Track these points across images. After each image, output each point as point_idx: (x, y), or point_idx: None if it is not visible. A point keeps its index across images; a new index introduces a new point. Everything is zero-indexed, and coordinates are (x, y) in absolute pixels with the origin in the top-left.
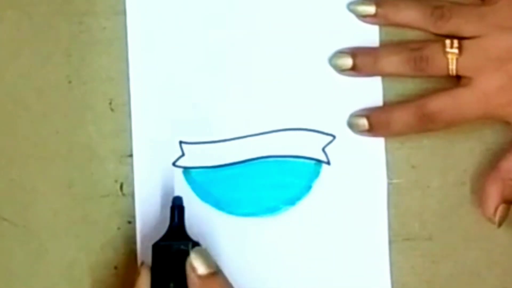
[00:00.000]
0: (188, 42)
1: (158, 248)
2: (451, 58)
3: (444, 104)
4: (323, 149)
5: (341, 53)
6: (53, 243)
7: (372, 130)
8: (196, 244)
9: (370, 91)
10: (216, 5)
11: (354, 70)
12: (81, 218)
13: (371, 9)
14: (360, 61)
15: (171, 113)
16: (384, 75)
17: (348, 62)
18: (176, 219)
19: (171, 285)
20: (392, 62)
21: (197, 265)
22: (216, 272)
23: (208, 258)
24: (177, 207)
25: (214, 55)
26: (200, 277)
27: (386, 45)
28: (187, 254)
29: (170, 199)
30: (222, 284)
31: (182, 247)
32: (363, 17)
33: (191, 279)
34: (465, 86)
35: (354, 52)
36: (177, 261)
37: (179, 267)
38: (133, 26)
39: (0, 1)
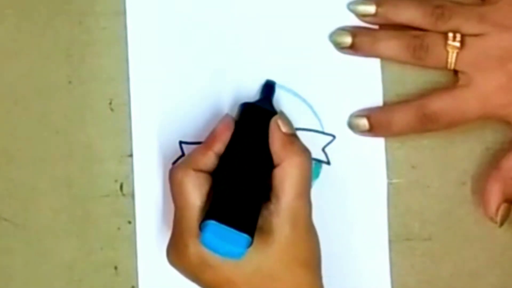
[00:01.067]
0: (188, 42)
1: (247, 106)
2: (452, 52)
3: (444, 104)
4: (323, 149)
5: (341, 30)
6: (53, 243)
7: (372, 130)
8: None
9: (370, 91)
10: (216, 6)
11: (352, 48)
12: (81, 218)
13: (371, 8)
14: (359, 40)
15: (171, 113)
16: (382, 58)
17: (347, 40)
18: (263, 93)
19: (251, 138)
20: (391, 45)
21: (282, 123)
22: (296, 135)
23: (291, 122)
24: (267, 85)
25: (214, 55)
26: (284, 133)
27: (387, 29)
28: (272, 115)
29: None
30: (300, 145)
31: (269, 109)
32: (363, 16)
33: (276, 134)
34: (465, 86)
35: (354, 31)
36: (262, 119)
37: (263, 125)
38: (133, 26)
39: (0, 1)
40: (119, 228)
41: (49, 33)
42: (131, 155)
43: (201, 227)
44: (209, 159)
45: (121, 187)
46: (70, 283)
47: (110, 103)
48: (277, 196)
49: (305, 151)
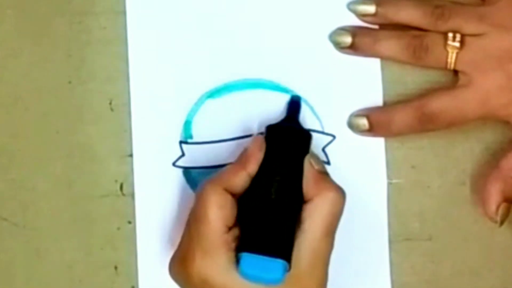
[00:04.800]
0: (188, 42)
1: (275, 127)
2: (451, 52)
3: (444, 104)
4: (323, 149)
5: (341, 30)
6: (53, 243)
7: (372, 130)
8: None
9: (370, 91)
10: (216, 6)
11: (352, 48)
12: (81, 218)
13: (371, 8)
14: (359, 40)
15: (171, 113)
16: (382, 58)
17: (347, 39)
18: (289, 112)
19: (282, 160)
20: (391, 45)
21: (315, 162)
22: (328, 173)
23: (322, 161)
24: (293, 102)
25: (213, 55)
26: (318, 170)
27: (387, 29)
28: (304, 134)
29: (170, 199)
30: (333, 183)
31: (299, 128)
32: (363, 16)
33: (309, 171)
34: (465, 86)
35: (354, 31)
36: (293, 140)
37: (294, 146)
38: (133, 26)
39: (0, 1)
40: (119, 228)
41: (49, 33)
42: (131, 155)
43: (237, 259)
44: (241, 180)
45: (121, 187)
46: (70, 283)
47: (110, 103)
48: (304, 230)
49: (339, 188)
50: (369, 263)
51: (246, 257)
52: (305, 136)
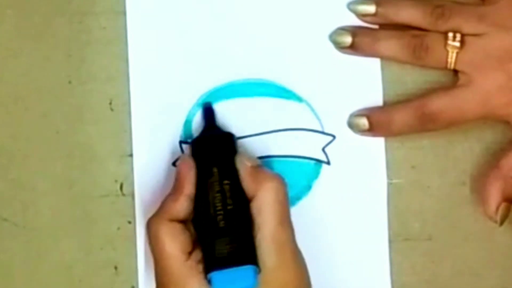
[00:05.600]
0: (188, 42)
1: (198, 140)
2: (451, 51)
3: (444, 104)
4: (323, 149)
5: (341, 30)
6: (53, 243)
7: (372, 130)
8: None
9: (370, 91)
10: (216, 6)
11: (352, 48)
12: (81, 218)
13: (371, 8)
14: (359, 40)
15: (171, 113)
16: (382, 57)
17: (347, 39)
18: (207, 121)
19: (214, 169)
20: (391, 45)
21: (246, 159)
22: (262, 165)
23: (253, 156)
24: (206, 110)
25: (213, 55)
26: (251, 167)
27: (387, 29)
28: (226, 137)
29: None
30: (269, 172)
31: (220, 133)
32: (363, 16)
33: (243, 170)
34: (465, 85)
35: (354, 31)
36: (218, 146)
37: (221, 152)
38: (133, 26)
39: (0, 1)
40: (119, 228)
41: (49, 33)
42: (131, 155)
43: (208, 280)
44: (183, 204)
45: (121, 187)
46: (70, 283)
47: (110, 103)
48: (258, 227)
49: (276, 176)
50: (369, 263)
51: (215, 276)
52: (228, 138)
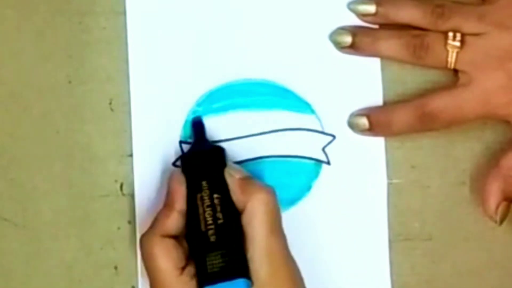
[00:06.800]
0: (188, 42)
1: (188, 155)
2: (452, 51)
3: (444, 103)
4: (323, 149)
5: (341, 29)
6: (53, 243)
7: (372, 130)
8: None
9: (370, 91)
10: (216, 6)
11: (353, 48)
12: (81, 218)
13: (371, 8)
14: (359, 40)
15: (171, 113)
16: (382, 57)
17: (347, 39)
18: (196, 135)
19: (204, 184)
20: (391, 45)
21: (234, 171)
22: (251, 177)
23: (241, 168)
24: (196, 124)
25: (213, 55)
26: (240, 179)
27: (388, 28)
28: (215, 151)
29: None
30: (258, 183)
31: (209, 148)
32: (363, 16)
33: (232, 183)
34: (465, 85)
35: (354, 31)
36: (207, 161)
37: (210, 166)
38: (133, 26)
39: (0, 1)
40: (119, 228)
41: (49, 33)
42: (131, 155)
43: None
44: (174, 220)
45: (121, 187)
46: (70, 283)
47: (110, 103)
48: (250, 239)
49: (265, 187)
50: (369, 263)
51: None
52: (218, 152)
